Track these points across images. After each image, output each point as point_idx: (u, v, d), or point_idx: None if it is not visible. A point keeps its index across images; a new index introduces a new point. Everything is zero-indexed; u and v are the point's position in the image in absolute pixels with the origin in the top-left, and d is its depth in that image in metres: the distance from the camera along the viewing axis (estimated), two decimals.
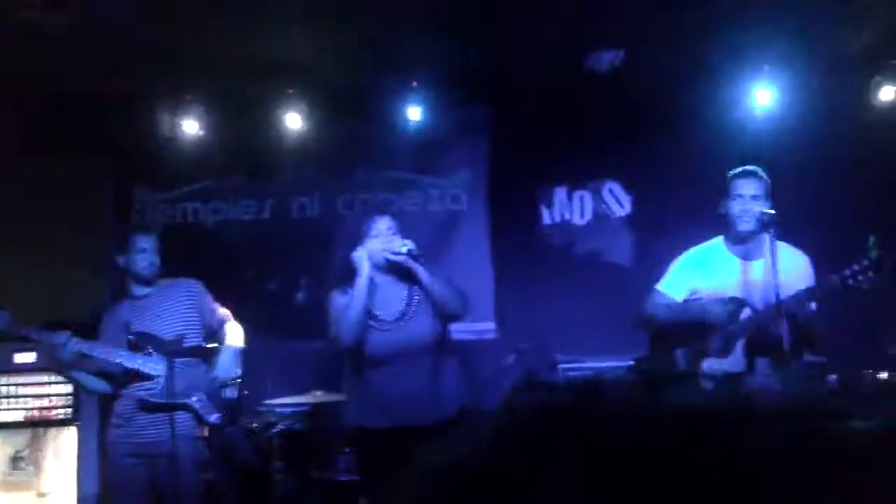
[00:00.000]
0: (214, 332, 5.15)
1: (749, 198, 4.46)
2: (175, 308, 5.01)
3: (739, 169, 4.57)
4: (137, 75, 6.50)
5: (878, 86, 6.74)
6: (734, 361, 4.49)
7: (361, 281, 4.47)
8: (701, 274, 4.64)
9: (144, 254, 4.99)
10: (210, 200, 7.64)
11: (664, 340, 4.76)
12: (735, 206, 4.48)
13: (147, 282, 5.02)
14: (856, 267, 4.16)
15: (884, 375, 5.90)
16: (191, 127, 6.93)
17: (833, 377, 5.86)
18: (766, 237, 4.43)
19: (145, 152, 7.28)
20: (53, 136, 7.08)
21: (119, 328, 4.90)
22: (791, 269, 4.47)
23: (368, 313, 4.52)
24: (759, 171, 4.57)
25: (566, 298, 7.28)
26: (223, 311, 5.23)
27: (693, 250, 4.74)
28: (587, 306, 7.23)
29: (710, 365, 4.56)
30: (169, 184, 7.61)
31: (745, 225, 4.47)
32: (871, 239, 4.14)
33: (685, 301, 4.69)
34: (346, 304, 4.48)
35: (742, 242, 4.55)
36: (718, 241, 4.67)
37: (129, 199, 7.61)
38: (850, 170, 6.93)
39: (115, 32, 5.73)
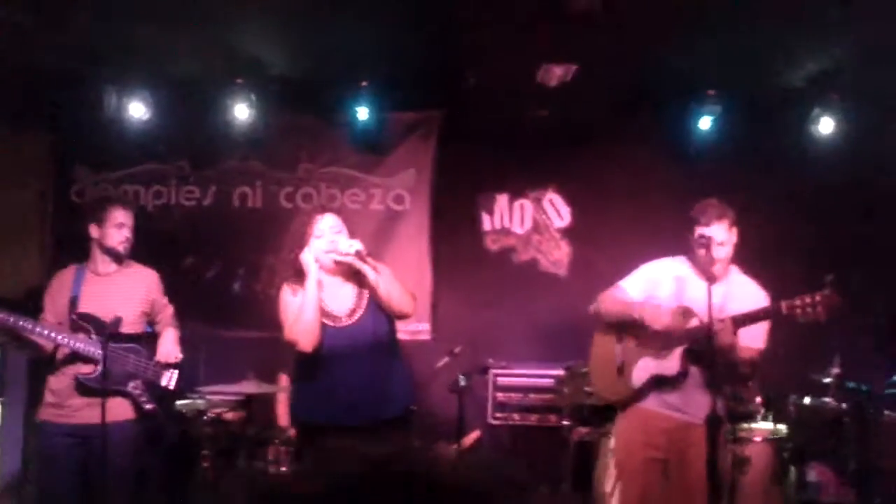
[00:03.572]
0: (157, 322, 5.20)
1: (717, 244, 4.51)
2: (130, 295, 5.03)
3: (705, 214, 4.57)
4: (85, 56, 6.45)
5: (818, 118, 6.87)
6: (668, 365, 4.57)
7: (311, 283, 4.47)
8: (662, 284, 4.72)
9: (122, 230, 4.99)
10: (152, 184, 7.63)
11: (608, 334, 4.85)
12: (706, 254, 4.50)
13: (117, 258, 5.01)
14: (808, 299, 4.20)
15: (807, 400, 6.06)
16: (136, 110, 6.89)
17: (758, 399, 6.01)
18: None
19: (87, 132, 7.22)
20: None
21: (64, 300, 4.90)
22: (748, 303, 4.54)
23: (321, 312, 4.52)
24: (726, 212, 4.59)
25: (502, 305, 7.42)
26: (168, 306, 5.27)
27: (659, 262, 4.82)
28: (522, 313, 7.35)
29: (644, 363, 4.65)
30: (111, 165, 7.58)
31: (715, 269, 4.52)
32: (829, 277, 4.17)
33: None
34: (300, 308, 4.46)
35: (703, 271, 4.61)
36: (685, 258, 4.75)
37: (69, 177, 7.58)
38: (787, 195, 7.11)
39: (66, 14, 5.69)
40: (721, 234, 4.53)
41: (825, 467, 6.00)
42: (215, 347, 5.99)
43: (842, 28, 5.76)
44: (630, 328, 4.73)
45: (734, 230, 4.59)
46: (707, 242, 4.49)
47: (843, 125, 6.86)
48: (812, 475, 6.00)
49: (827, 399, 5.91)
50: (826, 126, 6.89)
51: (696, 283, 4.62)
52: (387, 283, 4.53)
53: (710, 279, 4.50)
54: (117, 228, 4.97)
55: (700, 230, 4.53)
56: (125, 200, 5.37)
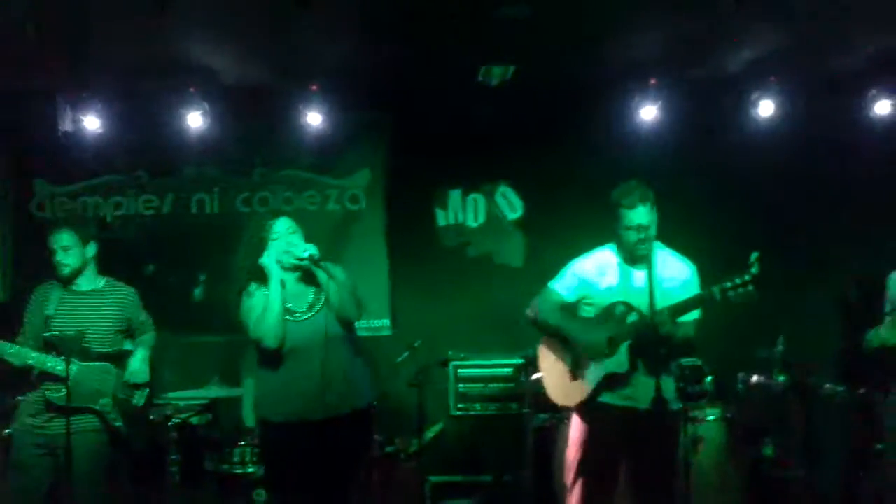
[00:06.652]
0: (133, 338, 5.31)
1: (643, 227, 4.60)
2: (103, 314, 5.14)
3: (628, 197, 4.64)
4: (38, 70, 6.52)
5: (757, 101, 7.08)
6: (618, 362, 4.64)
7: (275, 284, 4.59)
8: (592, 278, 4.81)
9: (66, 252, 5.09)
10: (111, 195, 7.74)
11: (554, 340, 4.93)
12: (631, 236, 4.62)
13: (69, 280, 5.12)
14: (737, 280, 4.30)
15: (755, 378, 6.25)
16: (91, 122, 6.96)
17: (709, 379, 6.19)
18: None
19: (45, 147, 7.33)
20: None
21: (40, 319, 5.04)
22: (676, 277, 4.70)
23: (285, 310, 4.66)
24: (648, 193, 4.66)
25: (459, 297, 7.62)
26: (148, 322, 5.39)
27: (586, 255, 4.90)
28: (479, 305, 7.54)
29: (595, 364, 4.71)
30: (69, 178, 7.70)
31: (643, 252, 4.62)
32: (754, 255, 4.25)
33: (576, 311, 4.87)
34: (263, 307, 4.58)
35: (631, 254, 4.72)
36: (609, 247, 4.84)
37: (28, 192, 7.69)
38: (732, 180, 7.36)
39: (17, 28, 5.75)
40: (647, 216, 4.61)
41: (778, 444, 6.19)
42: (180, 353, 6.08)
43: (780, 13, 5.93)
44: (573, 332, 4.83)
45: (655, 209, 4.65)
46: (635, 225, 4.59)
47: (781, 109, 7.05)
48: (766, 451, 6.19)
49: (773, 377, 6.12)
50: (765, 109, 7.08)
51: (628, 270, 4.74)
52: (338, 288, 4.66)
53: (638, 261, 4.66)
54: (63, 251, 5.09)
55: (626, 213, 4.61)
56: (70, 222, 5.45)
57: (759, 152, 7.20)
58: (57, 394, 4.91)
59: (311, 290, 4.74)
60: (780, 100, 7.05)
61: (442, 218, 7.90)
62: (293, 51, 6.44)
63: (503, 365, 7.00)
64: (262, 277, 4.64)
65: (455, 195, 7.91)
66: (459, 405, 7.04)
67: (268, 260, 4.63)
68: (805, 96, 7.06)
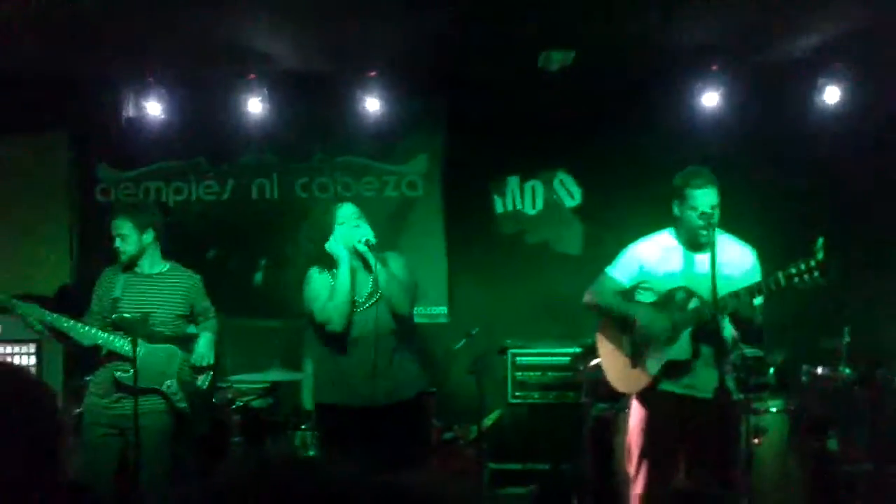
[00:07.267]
0: (197, 324, 5.39)
1: (709, 209, 4.55)
2: (167, 298, 5.22)
3: (697, 178, 4.62)
4: (101, 57, 6.61)
5: (823, 87, 6.96)
6: (679, 349, 4.62)
7: (344, 269, 4.65)
8: (650, 263, 4.78)
9: (124, 240, 5.20)
10: (172, 180, 7.85)
11: (612, 326, 4.92)
12: (695, 219, 4.56)
13: (128, 265, 5.21)
14: (802, 266, 4.23)
15: (820, 370, 6.16)
16: (153, 109, 7.06)
17: (771, 370, 6.11)
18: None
19: (108, 132, 7.43)
20: (18, 115, 7.25)
21: (108, 301, 5.13)
22: (737, 263, 4.65)
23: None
24: (713, 177, 4.63)
25: (516, 285, 7.58)
26: (210, 310, 5.45)
27: (644, 240, 4.87)
28: (536, 293, 7.51)
29: (655, 351, 4.69)
30: (131, 163, 7.81)
31: (706, 237, 4.54)
32: (820, 241, 4.19)
33: (633, 296, 4.84)
34: (330, 291, 4.64)
35: (694, 238, 4.68)
36: (669, 231, 4.80)
37: (92, 177, 7.81)
38: (796, 168, 7.21)
39: (80, 15, 5.83)
40: (715, 198, 4.58)
41: (842, 437, 6.10)
42: (241, 338, 6.14)
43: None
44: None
45: (719, 194, 4.62)
46: (702, 207, 4.54)
47: (847, 95, 6.94)
48: (830, 445, 6.10)
49: (838, 369, 6.02)
50: (831, 96, 6.97)
51: (691, 256, 4.70)
52: (388, 277, 4.71)
53: (700, 246, 4.61)
54: (120, 239, 5.19)
55: (694, 194, 4.57)
56: (128, 209, 5.54)
57: (823, 139, 7.07)
58: (125, 374, 5.01)
59: (370, 278, 4.77)
60: (845, 85, 6.93)
61: (500, 205, 7.86)
62: (352, 37, 6.45)
63: (561, 353, 6.98)
64: (325, 262, 4.68)
65: (513, 182, 7.86)
66: (517, 393, 7.04)
67: (335, 245, 4.68)
68: (871, 82, 6.93)
